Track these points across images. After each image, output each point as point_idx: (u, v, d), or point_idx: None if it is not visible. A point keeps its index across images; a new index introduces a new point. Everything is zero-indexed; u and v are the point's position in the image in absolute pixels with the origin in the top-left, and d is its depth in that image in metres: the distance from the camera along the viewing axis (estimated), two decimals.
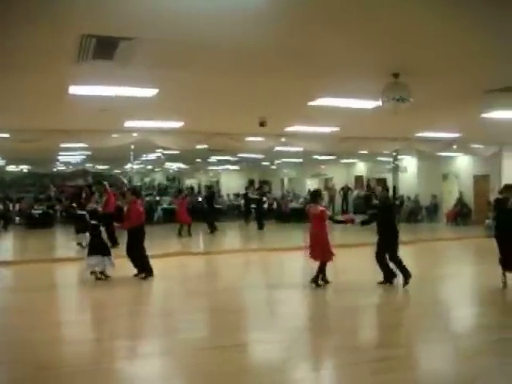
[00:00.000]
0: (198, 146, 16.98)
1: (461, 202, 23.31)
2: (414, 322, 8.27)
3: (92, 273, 10.89)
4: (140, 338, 7.43)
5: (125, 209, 12.27)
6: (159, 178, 52.60)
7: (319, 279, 10.28)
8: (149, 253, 11.46)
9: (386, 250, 10.35)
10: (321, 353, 6.76)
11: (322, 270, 10.30)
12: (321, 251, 10.18)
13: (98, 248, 10.74)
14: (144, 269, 11.09)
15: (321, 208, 10.37)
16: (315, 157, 26.78)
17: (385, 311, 9.11)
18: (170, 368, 6.25)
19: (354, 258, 15.10)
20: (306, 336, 7.50)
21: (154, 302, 10.05)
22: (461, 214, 23.08)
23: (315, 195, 10.92)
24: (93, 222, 11.05)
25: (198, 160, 32.16)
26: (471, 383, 5.66)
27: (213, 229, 20.38)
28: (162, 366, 6.33)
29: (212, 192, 22.45)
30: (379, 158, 26.19)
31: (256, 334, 7.57)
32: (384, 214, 10.71)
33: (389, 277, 10.40)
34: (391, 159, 23.34)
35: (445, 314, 8.81)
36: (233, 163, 34.71)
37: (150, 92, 8.72)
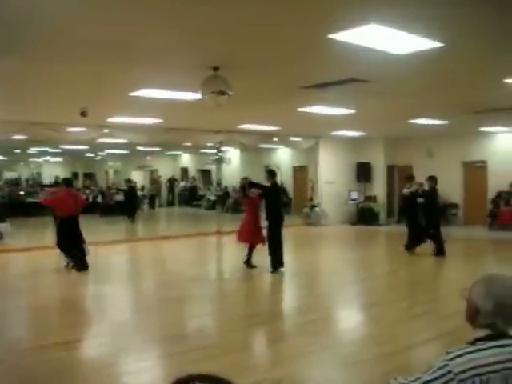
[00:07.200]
0: (16, 137, 16.10)
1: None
2: (232, 310, 8.55)
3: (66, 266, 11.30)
4: None
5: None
6: None
7: None
8: None
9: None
10: (146, 344, 6.75)
11: None
12: None
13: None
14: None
15: None
16: (141, 148, 26.49)
17: (209, 301, 9.29)
18: None
19: (181, 249, 15.24)
20: (131, 329, 7.47)
21: None
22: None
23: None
24: None
25: (17, 151, 30.43)
26: (277, 365, 5.97)
27: None
28: None
29: None
30: (204, 150, 26.53)
31: (82, 330, 7.41)
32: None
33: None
34: (215, 151, 23.69)
35: (263, 299, 9.19)
36: (55, 155, 33.32)
37: None
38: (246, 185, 11.44)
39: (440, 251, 12.76)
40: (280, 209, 11.53)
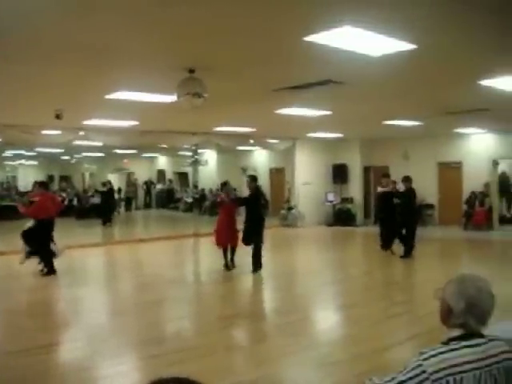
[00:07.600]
0: None
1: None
2: (210, 312, 8.53)
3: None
4: None
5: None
6: None
7: None
8: None
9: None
10: (123, 347, 6.71)
11: None
12: None
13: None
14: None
15: None
16: (117, 151, 26.28)
17: (186, 303, 9.26)
18: None
19: (159, 251, 15.16)
20: (108, 332, 7.43)
21: None
22: None
23: None
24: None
25: None
26: (256, 366, 5.97)
27: None
28: None
29: None
30: (181, 153, 26.43)
31: (59, 334, 7.36)
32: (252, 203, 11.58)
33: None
34: (192, 153, 23.63)
35: (241, 301, 9.18)
36: (30, 158, 32.97)
37: None
38: (225, 199, 11.84)
39: (408, 252, 12.80)
40: (260, 211, 11.87)
